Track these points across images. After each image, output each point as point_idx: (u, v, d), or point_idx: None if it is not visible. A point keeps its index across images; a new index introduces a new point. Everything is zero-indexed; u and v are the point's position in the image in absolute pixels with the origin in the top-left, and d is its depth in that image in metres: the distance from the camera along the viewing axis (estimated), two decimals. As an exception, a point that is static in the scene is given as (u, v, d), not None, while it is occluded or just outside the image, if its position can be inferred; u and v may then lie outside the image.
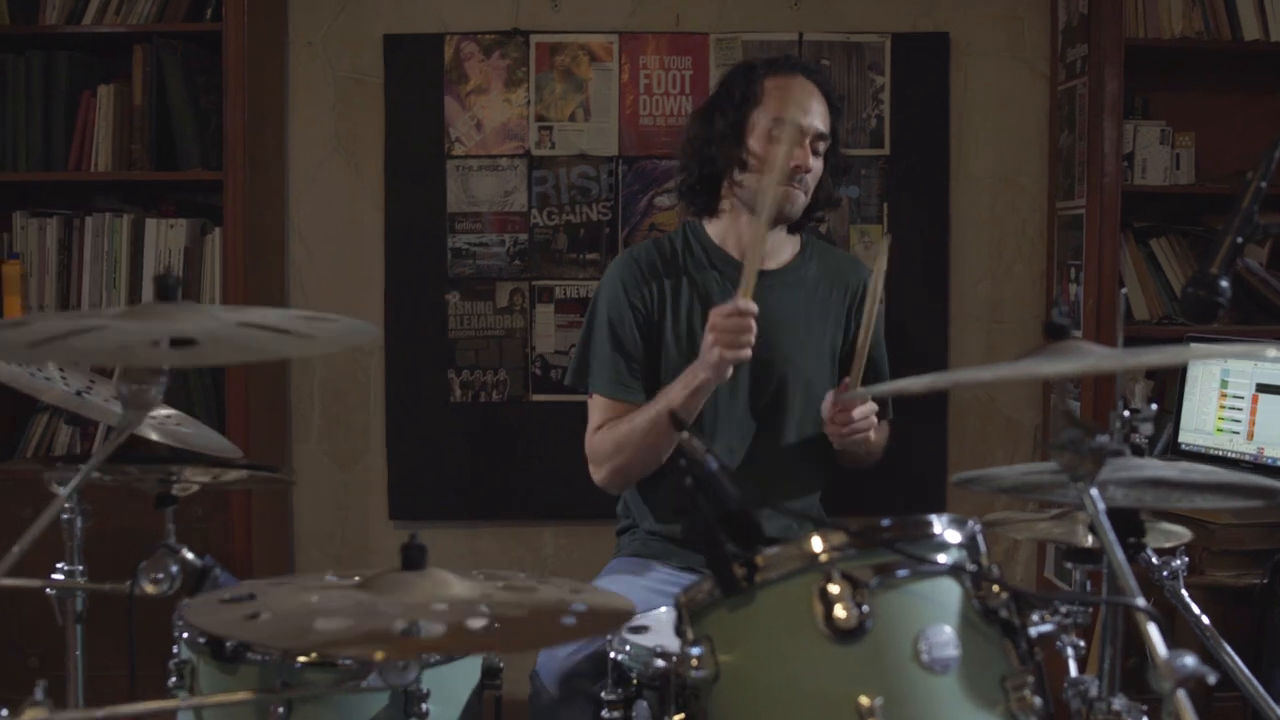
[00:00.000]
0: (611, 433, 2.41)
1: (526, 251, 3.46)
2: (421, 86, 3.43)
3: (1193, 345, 2.94)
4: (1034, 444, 3.50)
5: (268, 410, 3.40)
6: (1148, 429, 1.45)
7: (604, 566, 2.53)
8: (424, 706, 1.52)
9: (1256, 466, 2.88)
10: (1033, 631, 1.33)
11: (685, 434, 1.26)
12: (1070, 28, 3.36)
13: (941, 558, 1.30)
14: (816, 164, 2.42)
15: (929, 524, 1.31)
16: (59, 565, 1.82)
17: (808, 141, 2.39)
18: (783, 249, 2.52)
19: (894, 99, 3.46)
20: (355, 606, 1.30)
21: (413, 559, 1.37)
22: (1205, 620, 1.83)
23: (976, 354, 3.53)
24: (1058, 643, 1.62)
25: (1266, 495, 1.50)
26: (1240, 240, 1.61)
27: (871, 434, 2.37)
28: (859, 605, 1.22)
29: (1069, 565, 1.72)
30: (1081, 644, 1.65)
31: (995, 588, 1.28)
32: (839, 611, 1.22)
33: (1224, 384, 2.97)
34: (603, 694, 1.74)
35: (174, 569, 1.60)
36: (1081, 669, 1.65)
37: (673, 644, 1.43)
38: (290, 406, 3.53)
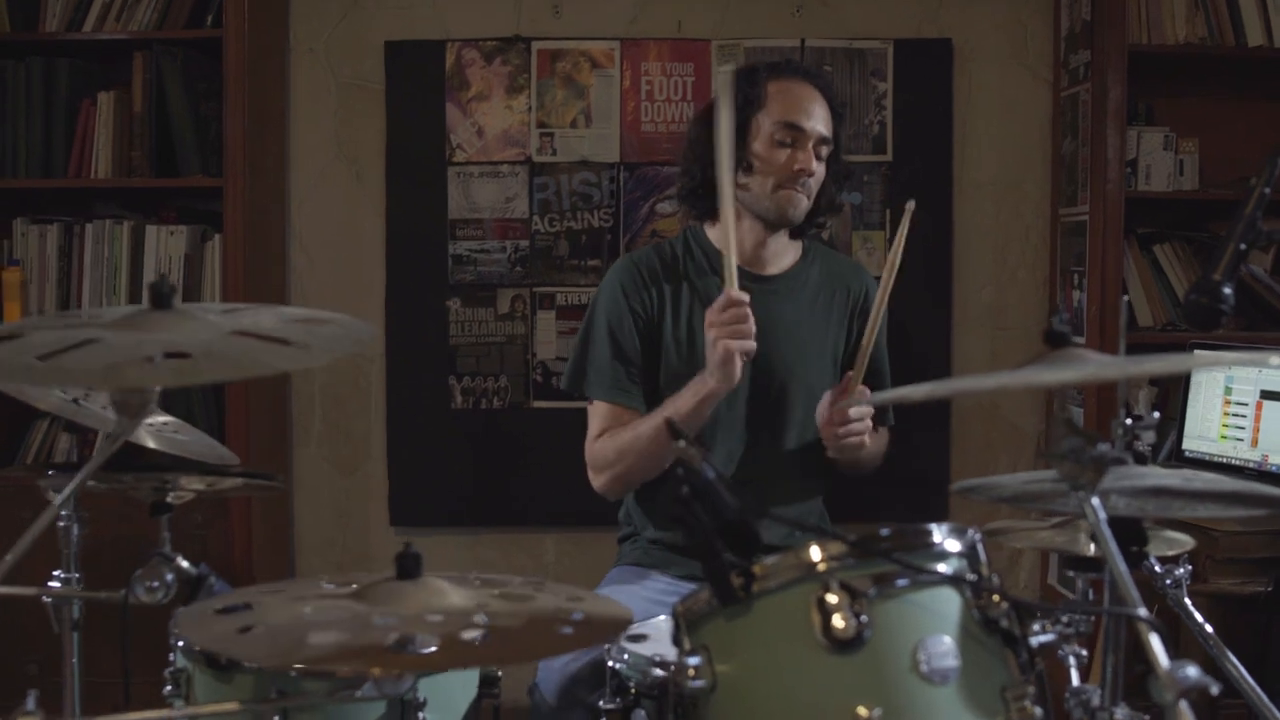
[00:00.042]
0: (614, 440, 2.40)
1: (528, 258, 3.45)
2: (423, 93, 3.43)
3: (1195, 353, 2.95)
4: (1037, 451, 3.49)
5: (268, 416, 3.40)
6: (1150, 437, 1.43)
7: (605, 574, 2.52)
8: (421, 715, 1.50)
9: (1261, 474, 2.87)
10: (1033, 641, 1.32)
11: (682, 442, 1.24)
12: (1073, 34, 3.35)
13: (941, 567, 1.28)
14: (819, 168, 2.41)
15: (928, 533, 1.30)
16: (55, 573, 1.80)
17: (811, 145, 2.38)
18: (784, 254, 2.51)
19: (897, 105, 3.45)
20: (349, 619, 1.28)
21: (408, 568, 1.36)
22: (1209, 629, 1.81)
23: (980, 360, 3.52)
24: (1060, 651, 1.60)
25: (1270, 504, 1.48)
26: (1243, 247, 1.60)
27: (866, 439, 2.35)
28: (857, 615, 1.21)
29: (1071, 574, 1.70)
30: (1084, 653, 1.63)
31: (995, 597, 1.27)
32: (837, 621, 1.20)
33: (1228, 391, 2.96)
34: (601, 703, 1.73)
35: (169, 577, 1.59)
36: (1085, 678, 1.63)
37: (671, 653, 1.42)
38: (291, 413, 3.52)
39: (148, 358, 1.22)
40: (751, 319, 2.21)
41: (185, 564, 1.60)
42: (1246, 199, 1.60)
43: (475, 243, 3.45)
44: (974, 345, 3.51)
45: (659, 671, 1.67)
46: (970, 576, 1.29)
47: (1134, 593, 1.19)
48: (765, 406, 2.44)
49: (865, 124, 3.45)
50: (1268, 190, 1.63)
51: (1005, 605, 1.27)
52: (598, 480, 2.45)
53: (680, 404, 2.29)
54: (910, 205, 2.34)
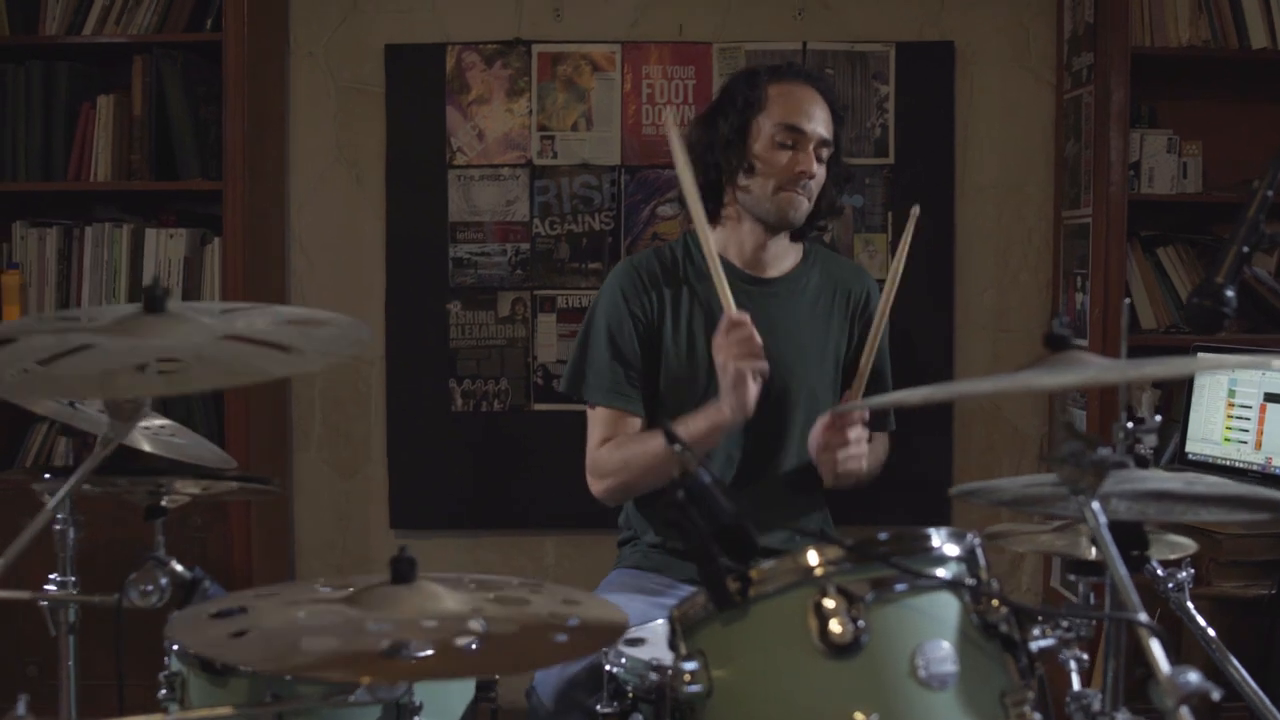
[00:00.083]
0: (620, 450, 2.38)
1: (528, 261, 3.44)
2: (423, 96, 3.43)
3: (1199, 356, 2.93)
4: (1040, 454, 3.47)
5: (268, 419, 3.39)
6: (1152, 440, 1.42)
7: (605, 577, 2.51)
8: (416, 720, 1.50)
9: (1264, 476, 2.85)
10: (1033, 646, 1.30)
11: (678, 446, 1.23)
12: (1076, 36, 3.34)
13: (940, 572, 1.27)
14: (820, 170, 2.40)
15: (927, 537, 1.29)
16: (51, 576, 1.80)
17: (811, 147, 2.37)
18: (785, 257, 2.50)
19: (898, 108, 3.44)
20: (342, 624, 1.27)
21: (402, 572, 1.35)
22: (1211, 633, 1.80)
23: (982, 363, 3.50)
24: (1060, 656, 1.59)
25: (1271, 508, 1.47)
26: (1246, 249, 1.59)
27: (863, 463, 2.32)
28: (854, 620, 1.19)
29: (1072, 578, 1.69)
30: (1085, 657, 1.62)
31: (994, 602, 1.25)
32: (834, 626, 1.19)
33: (1231, 393, 2.95)
34: (598, 707, 1.72)
35: (163, 581, 1.58)
36: (1086, 682, 1.62)
37: (669, 657, 1.40)
38: (291, 416, 3.51)
39: (140, 366, 1.21)
40: (757, 336, 2.20)
41: (179, 567, 1.59)
42: (1249, 202, 1.60)
43: (476, 246, 3.44)
44: (976, 348, 3.50)
45: (657, 676, 1.66)
46: (969, 581, 1.27)
47: (1134, 597, 1.18)
48: (767, 410, 2.42)
49: (867, 127, 3.44)
50: (1270, 193, 1.62)
51: (1004, 610, 1.26)
52: (598, 486, 2.43)
53: (692, 428, 2.27)
54: (915, 211, 2.33)
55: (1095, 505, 1.21)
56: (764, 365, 2.22)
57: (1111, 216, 3.15)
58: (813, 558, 1.25)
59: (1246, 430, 2.91)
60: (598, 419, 2.44)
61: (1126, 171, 3.17)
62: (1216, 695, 1.11)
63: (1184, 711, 1.10)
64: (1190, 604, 1.80)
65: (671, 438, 1.24)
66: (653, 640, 1.80)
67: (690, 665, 1.27)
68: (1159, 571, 1.78)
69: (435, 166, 3.43)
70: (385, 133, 3.44)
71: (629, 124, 3.43)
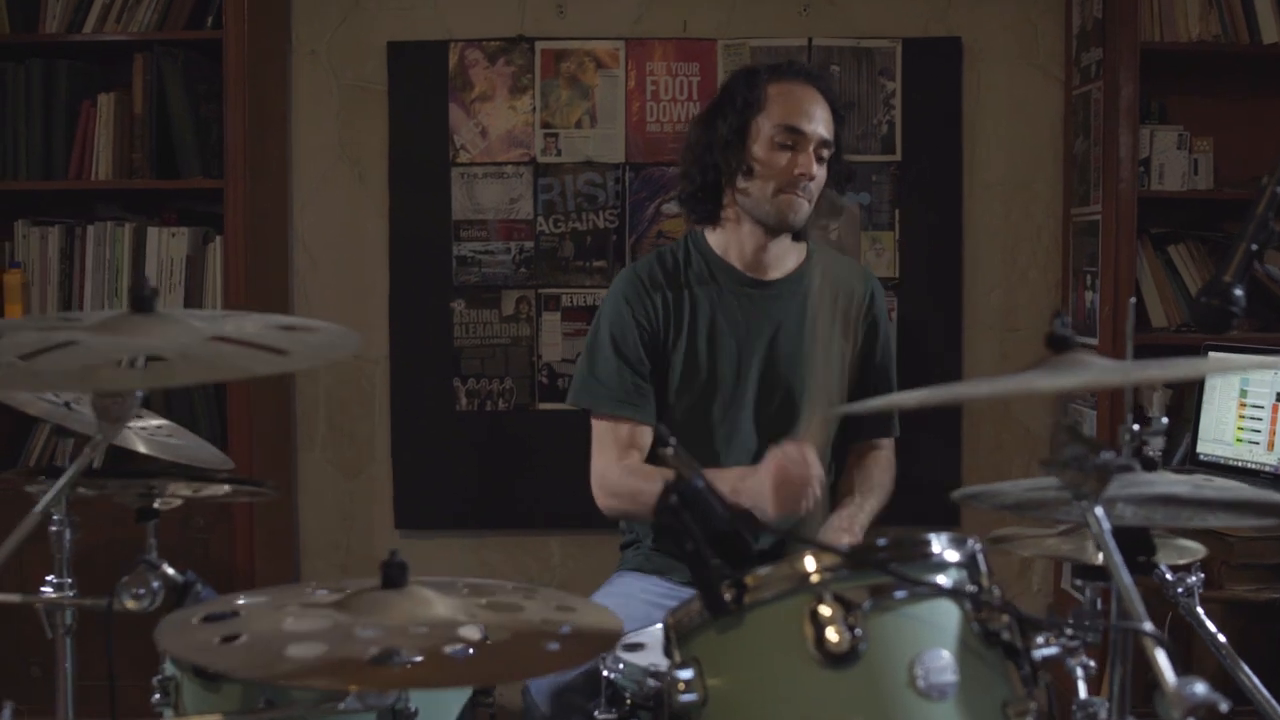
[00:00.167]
0: (632, 481, 2.33)
1: (533, 259, 3.42)
2: (426, 94, 3.40)
3: (1210, 357, 2.89)
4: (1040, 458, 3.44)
5: (272, 419, 3.37)
6: (1158, 443, 1.39)
7: (610, 577, 2.48)
8: (411, 725, 1.47)
9: (1276, 478, 2.82)
10: (1037, 654, 1.27)
11: (671, 449, 1.21)
12: (1085, 31, 3.30)
13: (940, 578, 1.24)
14: (820, 171, 2.37)
15: (927, 543, 1.26)
16: (48, 578, 1.78)
17: (812, 148, 2.33)
18: (787, 257, 2.47)
19: (905, 105, 3.41)
20: (331, 630, 1.25)
21: (393, 577, 1.32)
22: (1222, 638, 1.77)
23: (990, 363, 3.47)
24: (1067, 663, 1.56)
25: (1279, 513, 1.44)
26: (1255, 247, 1.56)
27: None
28: (851, 628, 1.16)
29: (1079, 583, 1.66)
30: (1092, 664, 1.59)
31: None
32: (830, 635, 1.16)
33: (1243, 393, 2.91)
34: (596, 713, 1.70)
35: (155, 584, 1.56)
36: (1096, 690, 1.59)
37: (667, 664, 1.38)
38: (295, 415, 3.50)
39: (119, 361, 1.19)
40: (817, 466, 2.14)
41: (171, 571, 1.57)
42: (1258, 198, 1.56)
43: (479, 244, 3.42)
44: (984, 347, 3.47)
45: (655, 682, 1.64)
46: (970, 588, 1.24)
47: (1139, 606, 1.15)
48: (771, 414, 2.40)
49: (873, 123, 3.41)
50: (1280, 189, 1.58)
51: (1006, 617, 1.23)
52: (604, 501, 2.40)
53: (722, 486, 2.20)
54: (845, 199, 2.29)
55: (1099, 511, 1.17)
56: (817, 495, 2.14)
57: (1121, 214, 3.11)
58: (809, 564, 1.22)
59: (1259, 431, 2.87)
60: (607, 429, 2.41)
61: (1136, 168, 3.13)
62: (1224, 707, 1.08)
63: (1190, 723, 1.07)
64: (1200, 609, 1.77)
65: (664, 440, 1.21)
66: (652, 645, 1.78)
67: (685, 674, 1.24)
68: (1168, 576, 1.76)
69: (438, 164, 3.41)
70: (388, 131, 3.42)
71: (633, 121, 3.41)
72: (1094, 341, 3.19)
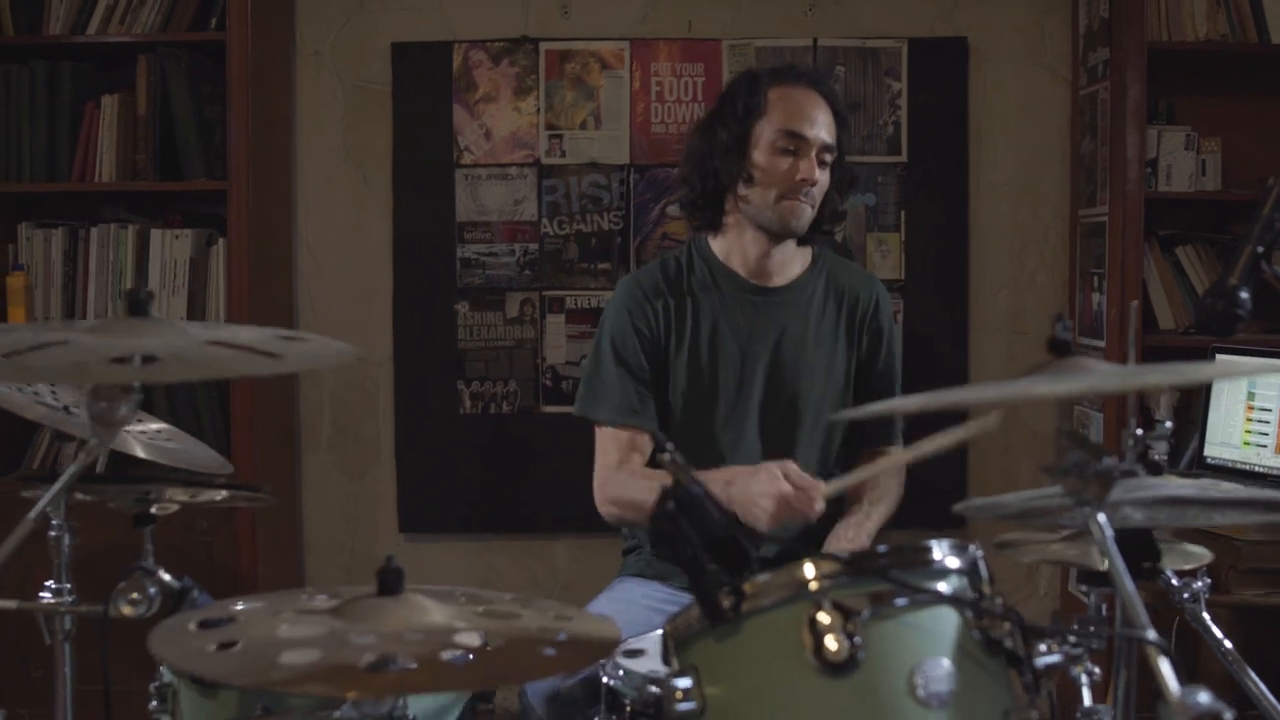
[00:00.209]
0: (626, 488, 2.33)
1: (537, 261, 3.41)
2: (430, 95, 3.39)
3: (1215, 361, 2.87)
4: (1041, 465, 3.42)
5: (276, 422, 3.37)
6: (1162, 448, 1.38)
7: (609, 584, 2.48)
8: (409, 730, 1.46)
9: (1285, 481, 2.79)
10: (1039, 662, 1.26)
11: (668, 455, 1.19)
12: (1091, 31, 3.28)
13: (941, 586, 1.23)
14: (823, 176, 2.35)
15: (927, 550, 1.25)
16: (47, 583, 1.78)
17: (814, 153, 2.32)
18: (792, 263, 2.45)
19: (911, 105, 3.39)
20: (326, 636, 1.24)
21: (389, 583, 1.31)
22: (1228, 644, 1.76)
23: (997, 365, 3.45)
24: (1071, 671, 1.54)
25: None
26: (1261, 249, 1.55)
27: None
28: (850, 636, 1.15)
29: (1083, 588, 1.65)
30: (1097, 670, 1.57)
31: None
32: (829, 643, 1.15)
33: (1251, 396, 2.89)
34: (596, 720, 1.69)
35: (151, 590, 1.55)
36: (1101, 697, 1.57)
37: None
38: (299, 418, 3.49)
39: (114, 358, 1.19)
40: (810, 517, 2.11)
41: (167, 577, 1.56)
42: (1264, 200, 1.55)
43: (483, 246, 3.41)
44: (991, 350, 3.45)
45: (655, 689, 1.62)
46: (970, 595, 1.23)
47: (1143, 613, 1.13)
48: (775, 423, 2.39)
49: (879, 124, 3.39)
50: (1287, 190, 1.57)
51: (1008, 625, 1.22)
52: (605, 508, 2.40)
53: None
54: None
55: (1101, 518, 1.16)
56: (815, 516, 2.12)
57: (1128, 215, 3.09)
58: (808, 571, 1.21)
59: (1266, 434, 2.84)
60: (609, 437, 2.40)
61: (1143, 169, 3.11)
62: (1229, 716, 1.07)
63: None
64: (1206, 615, 1.75)
65: (662, 446, 1.20)
66: (652, 652, 1.77)
67: (683, 682, 1.23)
68: (1174, 582, 1.74)
69: (442, 166, 3.40)
70: (392, 132, 3.41)
71: (638, 122, 3.40)
72: (1101, 344, 3.17)
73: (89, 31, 3.15)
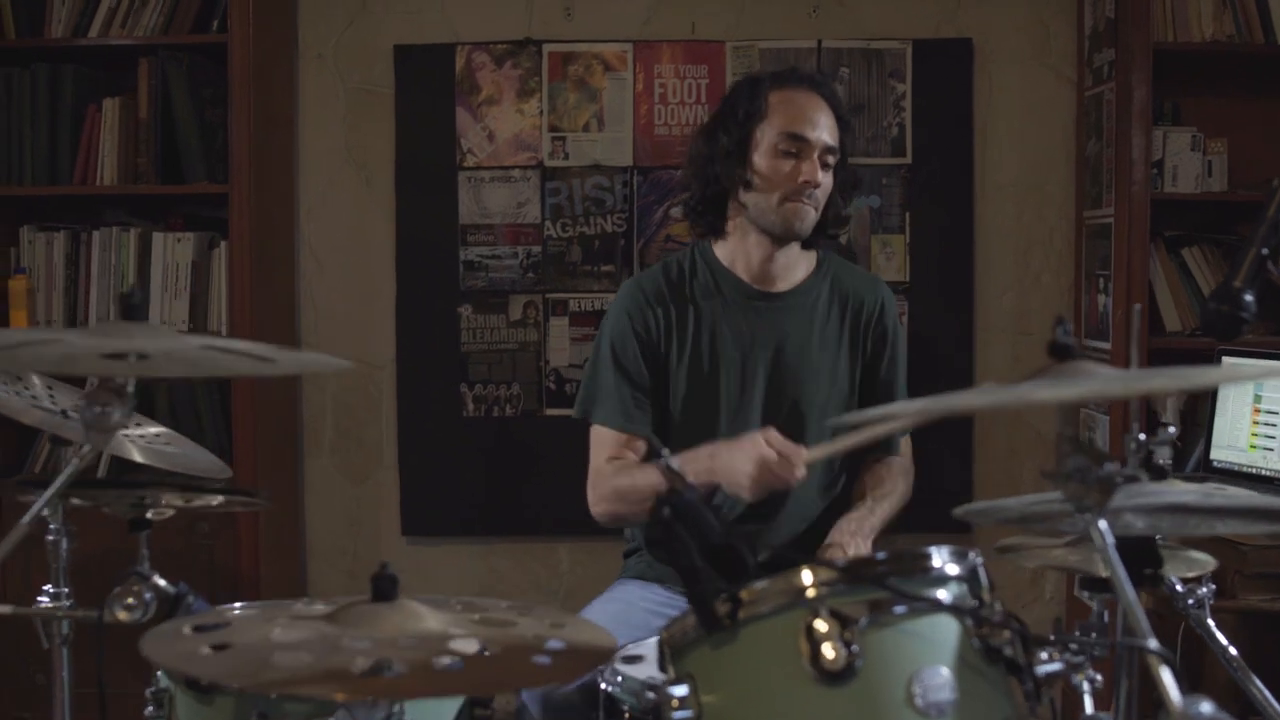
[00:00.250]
0: (615, 480, 2.33)
1: (540, 264, 3.40)
2: (433, 97, 3.39)
3: (1220, 364, 2.85)
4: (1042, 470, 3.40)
5: (278, 425, 3.36)
6: (1165, 453, 1.36)
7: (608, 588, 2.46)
8: (406, 735, 1.45)
9: (1291, 485, 2.77)
10: (1040, 670, 1.24)
11: (664, 461, 1.18)
12: (1097, 32, 3.26)
13: (940, 593, 1.21)
14: (826, 179, 2.33)
15: (926, 557, 1.23)
16: (45, 588, 1.77)
17: (816, 155, 2.30)
18: (796, 267, 2.44)
19: (916, 106, 3.38)
20: (320, 640, 1.23)
21: (383, 590, 1.31)
22: (1233, 651, 1.74)
23: (1002, 367, 3.43)
24: (1073, 679, 1.53)
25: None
26: (1266, 251, 1.53)
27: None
28: (848, 644, 1.14)
29: (1086, 595, 1.63)
30: (1099, 678, 1.56)
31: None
32: (826, 651, 1.14)
33: (1257, 399, 2.86)
34: (595, 727, 1.68)
35: (147, 596, 1.54)
36: (1105, 705, 1.56)
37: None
38: (301, 421, 3.48)
39: (105, 354, 1.19)
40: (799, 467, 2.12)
41: (163, 582, 1.55)
42: (1268, 201, 1.53)
43: (486, 248, 3.40)
44: (996, 351, 3.43)
45: (652, 695, 1.61)
46: (970, 603, 1.21)
47: (1144, 622, 1.12)
48: (779, 427, 2.36)
49: (884, 126, 3.38)
50: (1292, 192, 1.55)
51: (1008, 633, 1.20)
52: (596, 508, 2.39)
53: (696, 468, 2.14)
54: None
55: (1102, 524, 1.14)
56: (795, 481, 2.13)
57: (1134, 216, 3.07)
58: (806, 578, 1.20)
59: (1273, 438, 2.82)
60: (603, 439, 2.39)
61: (1149, 170, 3.09)
62: (1232, 726, 1.05)
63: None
64: (1211, 621, 1.73)
65: (656, 452, 1.19)
66: (651, 658, 1.76)
67: (679, 690, 1.22)
68: (1178, 588, 1.72)
69: (445, 168, 3.39)
70: (394, 134, 3.41)
71: (641, 124, 3.39)
72: (1107, 346, 3.15)
73: (90, 34, 3.15)
